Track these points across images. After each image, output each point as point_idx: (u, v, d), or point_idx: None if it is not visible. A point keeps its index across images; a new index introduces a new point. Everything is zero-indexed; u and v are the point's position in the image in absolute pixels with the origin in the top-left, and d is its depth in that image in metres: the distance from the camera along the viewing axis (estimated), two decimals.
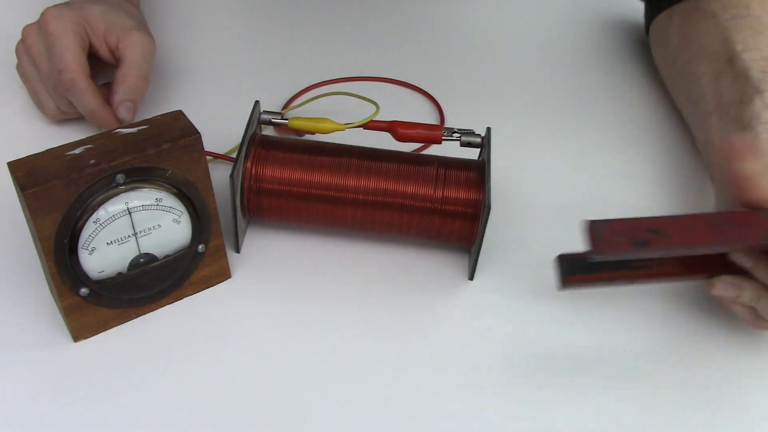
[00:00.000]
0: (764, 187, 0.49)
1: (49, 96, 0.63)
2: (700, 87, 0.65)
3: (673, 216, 0.48)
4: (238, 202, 0.54)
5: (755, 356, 0.54)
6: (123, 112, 0.62)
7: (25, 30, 0.62)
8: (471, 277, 0.57)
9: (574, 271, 0.52)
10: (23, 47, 0.63)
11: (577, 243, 0.60)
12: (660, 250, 0.47)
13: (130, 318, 0.52)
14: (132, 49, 0.63)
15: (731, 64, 0.62)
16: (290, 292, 0.55)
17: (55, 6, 0.62)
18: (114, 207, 0.47)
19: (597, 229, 0.47)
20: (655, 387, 0.52)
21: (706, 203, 0.65)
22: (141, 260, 0.50)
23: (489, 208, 0.52)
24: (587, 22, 0.85)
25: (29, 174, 0.44)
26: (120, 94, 0.62)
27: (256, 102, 0.58)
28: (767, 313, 0.51)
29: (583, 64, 0.79)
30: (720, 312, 0.56)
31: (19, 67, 0.65)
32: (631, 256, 0.51)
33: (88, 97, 0.60)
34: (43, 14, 0.61)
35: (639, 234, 0.46)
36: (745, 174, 0.50)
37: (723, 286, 0.51)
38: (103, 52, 0.64)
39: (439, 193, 0.55)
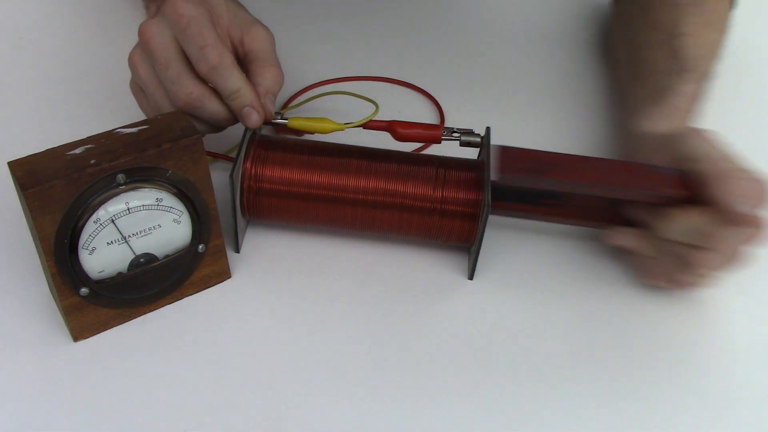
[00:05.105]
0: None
1: (166, 102, 0.56)
2: (637, 52, 0.69)
3: (577, 156, 0.53)
4: (237, 202, 0.54)
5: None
6: (269, 104, 0.57)
7: (145, 26, 0.55)
8: (471, 277, 0.57)
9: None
10: (140, 45, 0.56)
11: (578, 245, 0.61)
12: (556, 182, 0.52)
13: (130, 318, 0.52)
14: (261, 42, 0.58)
15: (671, 41, 0.65)
16: (290, 291, 0.55)
17: None
18: (114, 207, 0.47)
19: (504, 154, 0.52)
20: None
21: None
22: (141, 260, 0.50)
23: (489, 207, 0.52)
24: (589, 19, 0.85)
25: (29, 174, 0.44)
26: (263, 86, 0.57)
27: None
28: (666, 263, 0.55)
29: (585, 63, 0.79)
30: None
31: (134, 71, 0.56)
32: (536, 184, 0.54)
33: (235, 75, 0.54)
34: (167, 2, 0.55)
35: (539, 165, 0.52)
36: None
37: (616, 235, 0.57)
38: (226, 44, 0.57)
39: (438, 193, 0.55)
